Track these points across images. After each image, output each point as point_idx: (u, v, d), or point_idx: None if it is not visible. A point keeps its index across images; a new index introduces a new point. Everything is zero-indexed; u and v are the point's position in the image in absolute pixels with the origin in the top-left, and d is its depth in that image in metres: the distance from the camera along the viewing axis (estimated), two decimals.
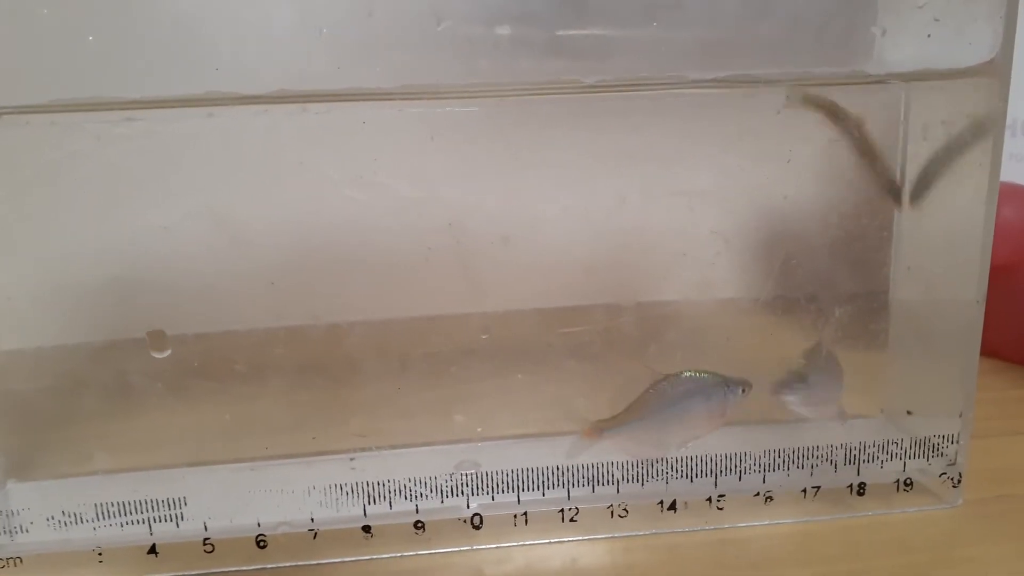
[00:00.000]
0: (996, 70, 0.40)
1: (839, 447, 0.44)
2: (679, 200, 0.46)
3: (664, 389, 0.41)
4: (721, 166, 0.46)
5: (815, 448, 0.43)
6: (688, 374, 0.41)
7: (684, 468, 0.43)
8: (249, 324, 0.47)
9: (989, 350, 0.65)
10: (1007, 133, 0.61)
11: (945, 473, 0.44)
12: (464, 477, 0.43)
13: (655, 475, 0.43)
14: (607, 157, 0.46)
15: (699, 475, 0.43)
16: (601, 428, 0.41)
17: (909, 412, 0.45)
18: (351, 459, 0.46)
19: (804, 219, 0.48)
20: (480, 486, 0.42)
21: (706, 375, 0.41)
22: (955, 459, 0.44)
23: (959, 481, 0.44)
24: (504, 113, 0.44)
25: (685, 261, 0.48)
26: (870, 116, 0.48)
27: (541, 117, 0.45)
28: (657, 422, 0.41)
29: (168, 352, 0.42)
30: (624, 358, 0.48)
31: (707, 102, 0.45)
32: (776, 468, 0.43)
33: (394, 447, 0.46)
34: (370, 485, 0.42)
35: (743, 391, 0.41)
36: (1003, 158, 0.61)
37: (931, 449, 0.44)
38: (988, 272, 0.42)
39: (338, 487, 0.42)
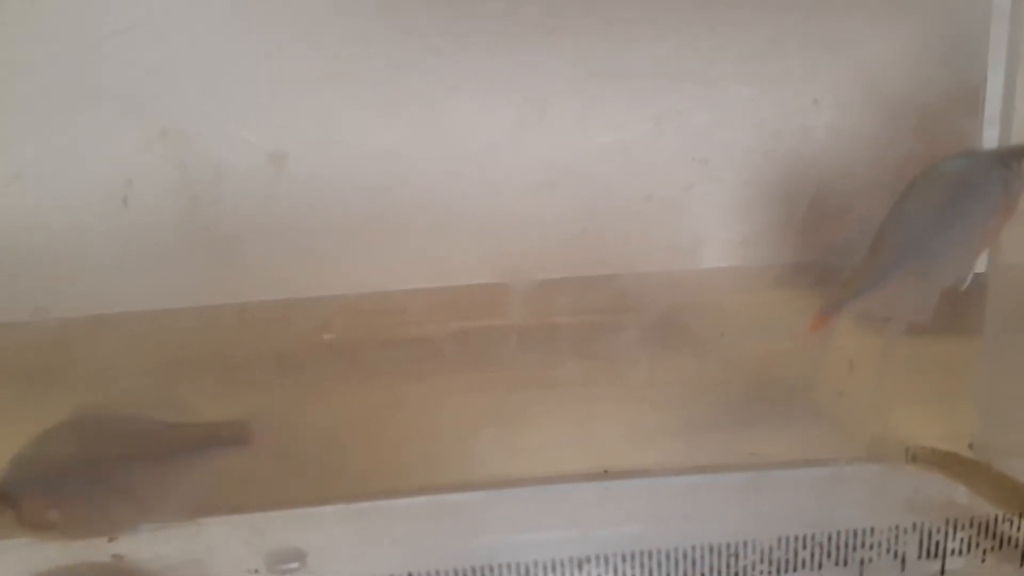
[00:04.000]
0: None
1: (906, 530, 0.25)
2: (639, 120, 0.30)
3: (906, 209, 0.26)
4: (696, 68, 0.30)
5: (863, 532, 0.25)
6: (934, 172, 0.27)
7: (635, 569, 0.25)
8: None
9: None
10: None
11: None
12: None
13: None
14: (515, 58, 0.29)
15: None
16: (838, 301, 0.26)
17: None
18: (110, 540, 0.29)
19: (836, 145, 0.31)
20: None
21: (962, 160, 0.27)
22: None
23: None
24: None
25: (649, 213, 0.31)
26: None
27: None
28: (912, 261, 0.26)
29: None
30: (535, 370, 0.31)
31: None
32: (799, 566, 0.25)
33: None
34: None
35: None
36: None
37: None
38: None
39: None
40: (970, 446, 0.30)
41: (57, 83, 0.28)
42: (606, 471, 0.31)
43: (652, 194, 0.32)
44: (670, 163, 0.32)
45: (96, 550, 0.29)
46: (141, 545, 0.29)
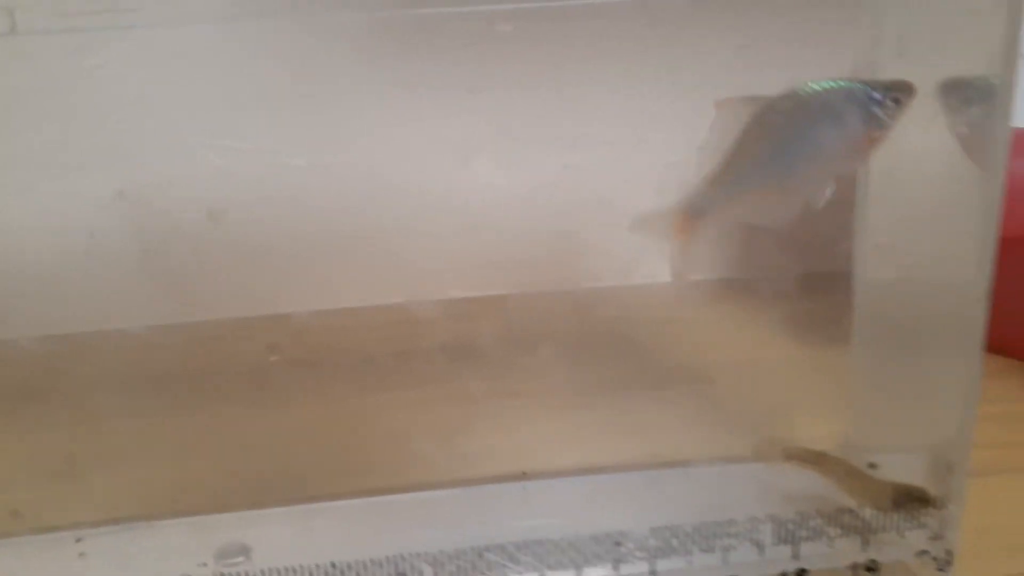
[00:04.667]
0: None
1: (765, 519, 0.29)
2: (552, 155, 0.33)
3: (771, 122, 0.28)
4: (613, 107, 0.33)
5: (729, 522, 0.29)
6: (803, 90, 0.28)
7: (529, 556, 0.28)
8: None
9: (996, 345, 0.49)
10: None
11: (927, 552, 0.29)
12: None
13: (484, 567, 0.28)
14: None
15: (554, 565, 0.29)
16: (697, 210, 0.28)
17: (872, 465, 0.31)
18: (78, 540, 0.32)
19: None
20: None
21: (831, 86, 0.28)
22: (942, 531, 0.29)
23: (948, 563, 0.29)
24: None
25: (562, 242, 0.35)
26: (835, 30, 0.33)
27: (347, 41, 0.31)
28: (773, 172, 0.28)
29: None
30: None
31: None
32: (670, 552, 0.29)
33: (134, 520, 0.32)
34: None
35: (896, 102, 0.27)
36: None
37: (905, 517, 0.29)
38: (994, 251, 0.27)
39: None
40: (843, 444, 0.34)
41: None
42: (524, 473, 0.35)
43: (564, 226, 0.35)
44: (580, 200, 0.35)
45: (63, 548, 0.32)
46: (105, 543, 0.32)
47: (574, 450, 0.35)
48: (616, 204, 0.35)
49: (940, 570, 0.30)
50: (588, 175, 0.34)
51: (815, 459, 0.33)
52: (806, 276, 0.34)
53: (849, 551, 0.30)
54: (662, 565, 0.29)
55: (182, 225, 0.32)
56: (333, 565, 0.28)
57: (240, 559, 0.31)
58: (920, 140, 0.30)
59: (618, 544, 0.29)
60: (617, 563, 0.29)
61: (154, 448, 0.34)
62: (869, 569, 0.30)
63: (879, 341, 0.34)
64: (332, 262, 0.35)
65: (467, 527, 0.31)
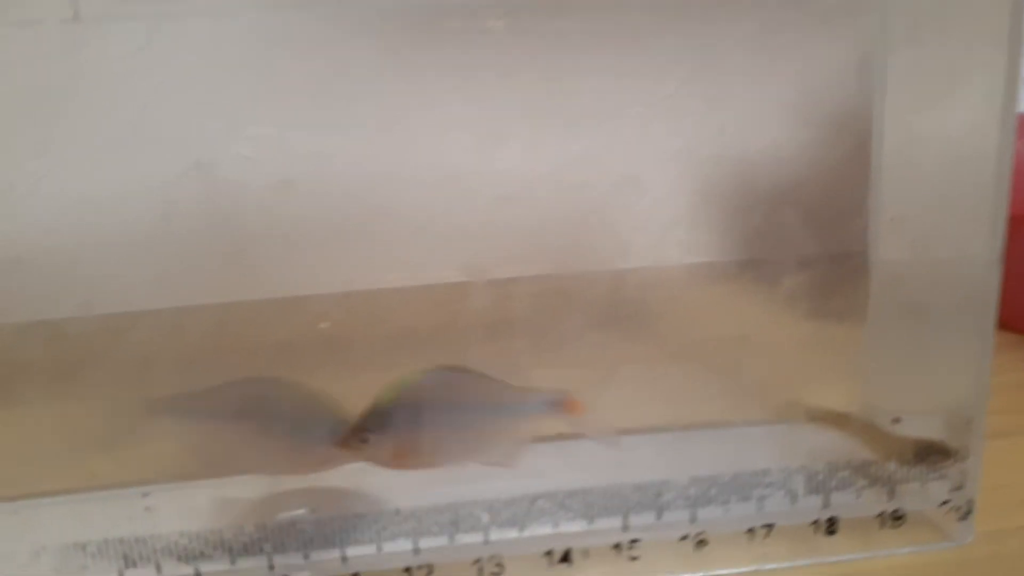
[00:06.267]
0: None
1: (797, 470, 0.31)
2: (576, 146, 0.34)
3: None
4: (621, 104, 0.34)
5: (763, 472, 0.31)
6: None
7: (578, 503, 0.30)
8: None
9: (1005, 321, 0.52)
10: None
11: (949, 501, 0.32)
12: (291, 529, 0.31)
13: (536, 513, 0.30)
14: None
15: (601, 512, 0.31)
16: None
17: (896, 420, 0.33)
18: (144, 495, 0.34)
19: (747, 159, 0.36)
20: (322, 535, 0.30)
21: None
22: (962, 482, 0.31)
23: (969, 512, 0.31)
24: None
25: (590, 221, 0.36)
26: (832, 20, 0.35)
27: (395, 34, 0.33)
28: None
29: None
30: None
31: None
32: (710, 500, 0.31)
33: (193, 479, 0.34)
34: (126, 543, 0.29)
35: None
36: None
37: (927, 469, 0.31)
38: (1005, 220, 0.29)
39: (81, 548, 0.29)
40: (859, 409, 0.36)
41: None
42: None
43: (590, 204, 0.37)
44: (605, 179, 0.37)
45: (131, 503, 0.34)
46: (170, 497, 0.34)
47: (614, 414, 0.37)
48: (642, 181, 0.37)
49: (962, 519, 0.32)
50: (614, 153, 0.36)
51: (836, 419, 0.35)
52: (822, 256, 0.37)
53: (876, 501, 0.32)
54: (702, 514, 0.31)
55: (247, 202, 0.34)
56: (397, 512, 0.30)
57: (300, 511, 0.33)
58: (931, 121, 0.32)
59: (659, 494, 0.31)
60: (660, 511, 0.31)
61: None
62: (895, 518, 0.32)
63: (894, 315, 0.35)
64: (376, 245, 0.37)
65: (521, 478, 0.32)
